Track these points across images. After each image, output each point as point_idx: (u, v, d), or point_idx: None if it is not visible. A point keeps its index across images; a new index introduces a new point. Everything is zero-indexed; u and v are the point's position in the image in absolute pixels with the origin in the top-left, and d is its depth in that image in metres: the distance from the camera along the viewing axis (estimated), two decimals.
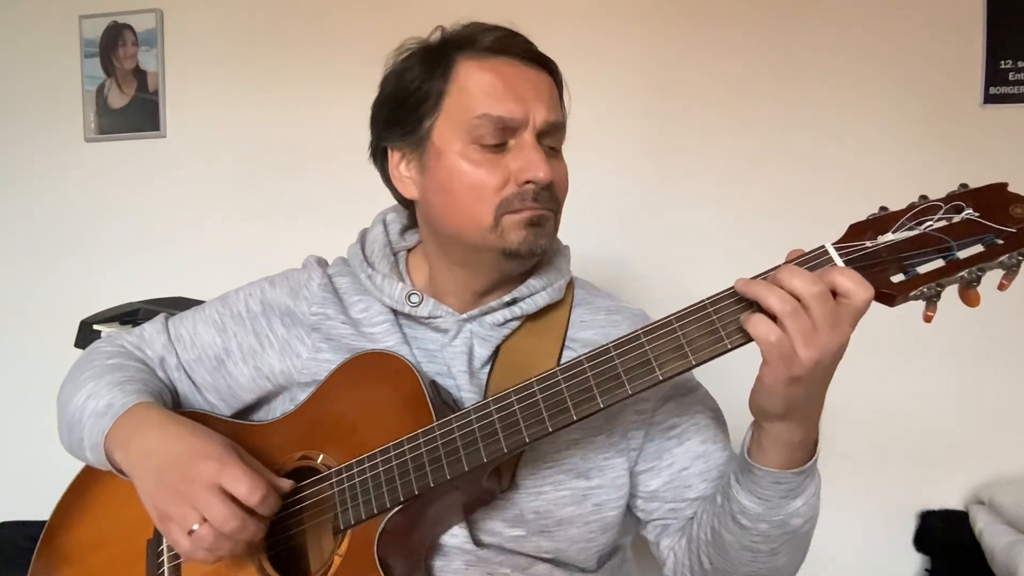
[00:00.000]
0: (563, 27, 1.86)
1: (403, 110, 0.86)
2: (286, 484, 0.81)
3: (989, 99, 1.79)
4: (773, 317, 0.66)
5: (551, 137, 0.85)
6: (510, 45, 0.84)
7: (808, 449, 0.75)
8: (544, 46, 0.88)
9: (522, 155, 0.82)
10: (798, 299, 0.65)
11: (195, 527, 0.74)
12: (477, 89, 0.82)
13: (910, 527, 1.83)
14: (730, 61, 1.86)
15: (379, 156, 0.93)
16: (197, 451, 0.77)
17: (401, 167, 0.90)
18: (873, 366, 1.75)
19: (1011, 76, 1.78)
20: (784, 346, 0.65)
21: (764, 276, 0.70)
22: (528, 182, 0.81)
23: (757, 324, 0.66)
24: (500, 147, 0.82)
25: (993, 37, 1.78)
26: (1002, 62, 1.78)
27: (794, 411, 0.71)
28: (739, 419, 0.83)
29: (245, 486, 0.74)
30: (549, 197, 0.84)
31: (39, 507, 0.92)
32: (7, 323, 2.13)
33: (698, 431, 0.91)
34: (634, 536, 0.99)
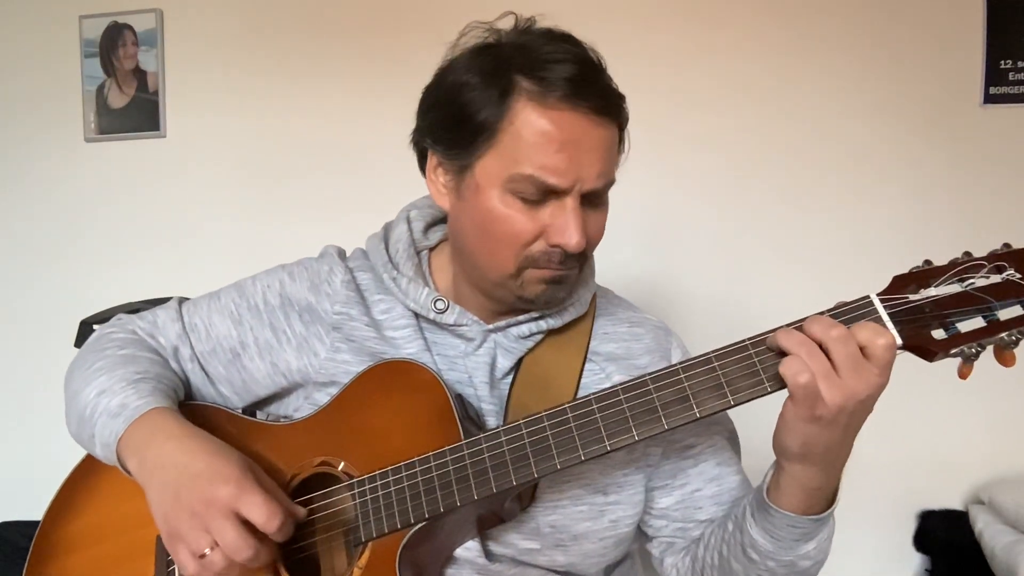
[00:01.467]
0: (569, 26, 1.86)
1: (452, 131, 0.82)
2: (301, 512, 0.80)
3: (989, 99, 1.80)
4: None
5: (598, 195, 0.82)
6: (580, 95, 0.76)
7: (827, 497, 0.76)
8: None
9: (560, 217, 0.79)
10: (818, 343, 0.67)
11: (206, 551, 0.72)
12: (531, 142, 0.77)
13: (910, 527, 1.83)
14: (730, 62, 1.86)
15: (418, 148, 0.90)
16: (216, 472, 0.74)
17: (438, 172, 0.87)
18: None
19: (1011, 76, 1.79)
20: (812, 387, 0.66)
21: (797, 324, 0.71)
22: (558, 246, 0.80)
23: (789, 363, 0.67)
24: (540, 201, 0.79)
25: (993, 37, 1.78)
26: (1002, 62, 1.79)
27: (813, 454, 0.71)
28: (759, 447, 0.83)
29: (264, 514, 0.72)
30: (576, 258, 0.82)
31: (39, 507, 0.92)
32: (7, 323, 2.13)
33: (714, 453, 0.90)
34: (640, 542, 0.99)
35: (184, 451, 0.77)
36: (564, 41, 0.80)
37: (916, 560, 1.83)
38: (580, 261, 0.84)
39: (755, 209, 1.87)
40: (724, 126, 1.87)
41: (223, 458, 0.77)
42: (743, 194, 1.87)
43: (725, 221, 1.88)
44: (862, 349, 0.66)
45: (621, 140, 0.84)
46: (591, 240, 0.83)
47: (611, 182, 0.82)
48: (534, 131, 0.77)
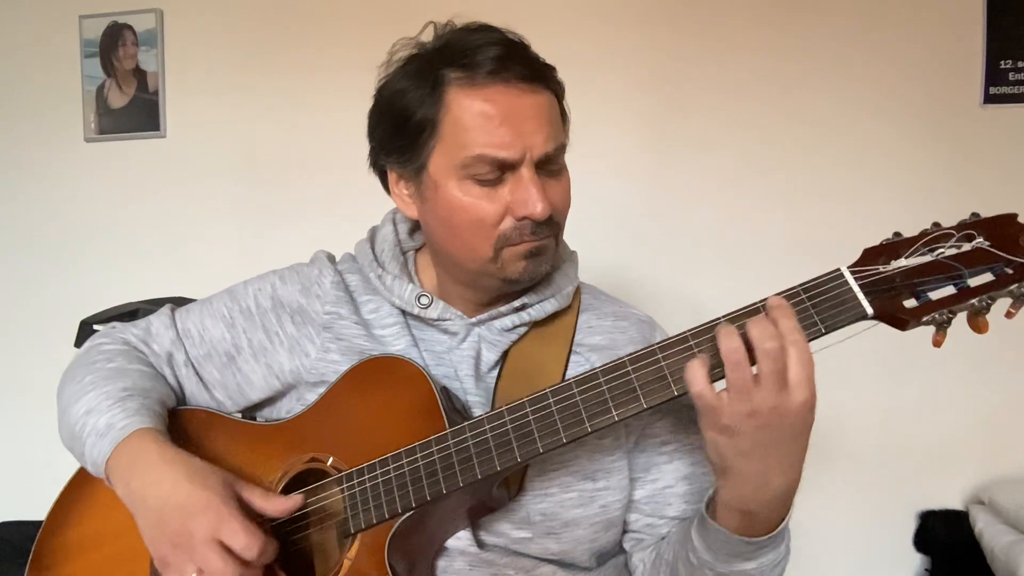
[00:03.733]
0: (564, 28, 1.86)
1: (398, 138, 0.84)
2: (294, 502, 0.81)
3: (989, 99, 1.80)
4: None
5: (552, 161, 0.83)
6: (506, 68, 0.79)
7: (768, 525, 0.73)
8: (543, 48, 0.86)
9: (520, 189, 0.80)
10: (751, 348, 0.66)
11: None
12: (471, 124, 0.79)
13: (910, 527, 1.83)
14: (730, 62, 1.86)
15: (378, 169, 0.92)
16: (196, 501, 0.76)
17: (400, 185, 0.89)
18: (874, 367, 1.75)
19: (1011, 76, 1.79)
20: (712, 402, 0.66)
21: (755, 307, 0.71)
22: (525, 218, 0.81)
23: (690, 370, 0.68)
24: (497, 180, 0.80)
25: (993, 37, 1.78)
26: (1002, 62, 1.79)
27: (730, 469, 0.70)
28: None
29: (241, 542, 0.74)
30: (548, 227, 0.83)
31: (39, 507, 0.92)
32: (7, 323, 2.13)
33: (690, 452, 0.90)
34: None
35: (165, 481, 0.78)
36: (483, 30, 0.83)
37: (916, 560, 1.83)
38: (553, 230, 0.85)
39: (754, 210, 1.86)
40: (722, 126, 1.87)
41: (204, 485, 0.77)
42: (742, 195, 1.87)
43: (723, 222, 1.88)
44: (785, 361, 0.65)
45: (563, 110, 0.86)
46: (557, 207, 0.84)
47: (562, 145, 0.84)
48: (472, 114, 0.79)
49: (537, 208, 0.79)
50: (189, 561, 0.74)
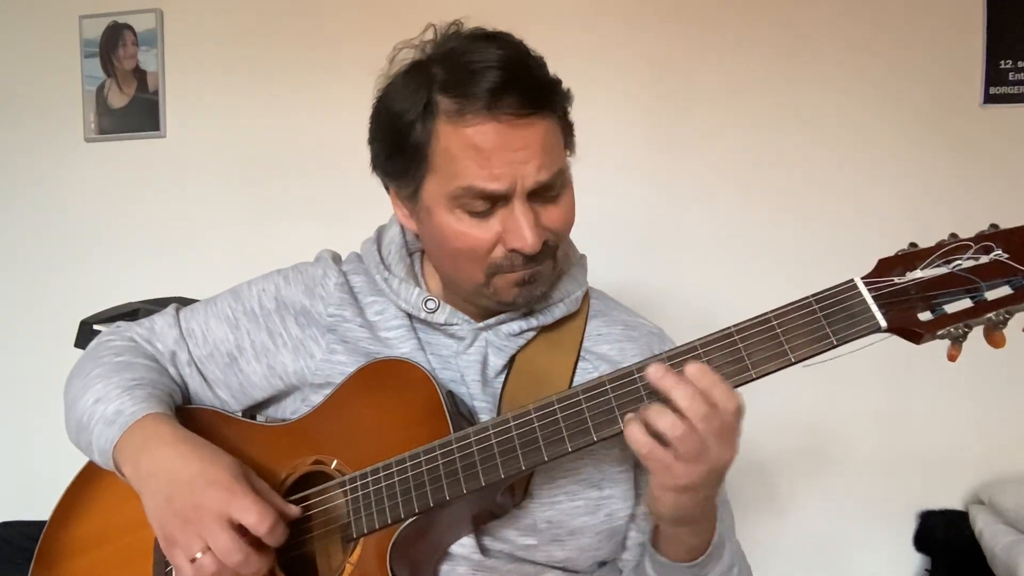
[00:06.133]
0: (565, 28, 1.86)
1: (392, 162, 0.84)
2: (294, 511, 0.80)
3: (989, 99, 1.80)
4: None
5: (548, 188, 0.80)
6: (501, 103, 0.75)
7: (709, 538, 0.77)
8: (544, 48, 0.83)
9: (510, 221, 0.79)
10: (688, 418, 0.65)
11: (198, 555, 0.73)
12: (460, 156, 0.77)
13: (910, 527, 1.83)
14: (730, 61, 1.86)
15: (379, 175, 0.91)
16: (207, 477, 0.76)
17: (399, 202, 0.89)
18: (874, 369, 1.75)
19: (1011, 76, 1.79)
20: (663, 459, 0.66)
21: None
22: (515, 250, 0.80)
23: (634, 433, 0.67)
24: (488, 211, 0.79)
25: (993, 37, 1.78)
26: (1002, 62, 1.79)
27: (688, 517, 0.72)
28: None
29: (254, 516, 0.73)
30: (542, 254, 0.81)
31: (39, 507, 0.92)
32: (7, 323, 2.13)
33: None
34: None
35: (176, 457, 0.78)
36: (489, 42, 0.79)
37: (916, 560, 1.83)
38: (549, 255, 0.84)
39: (753, 212, 1.86)
40: (722, 127, 1.87)
41: (215, 463, 0.77)
42: (741, 197, 1.87)
43: (722, 225, 1.88)
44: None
45: (567, 126, 0.84)
46: (556, 232, 0.82)
47: (559, 171, 0.80)
48: (461, 147, 0.77)
49: (528, 242, 0.78)
50: (197, 538, 0.73)
